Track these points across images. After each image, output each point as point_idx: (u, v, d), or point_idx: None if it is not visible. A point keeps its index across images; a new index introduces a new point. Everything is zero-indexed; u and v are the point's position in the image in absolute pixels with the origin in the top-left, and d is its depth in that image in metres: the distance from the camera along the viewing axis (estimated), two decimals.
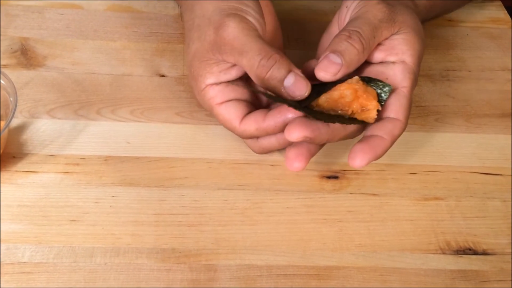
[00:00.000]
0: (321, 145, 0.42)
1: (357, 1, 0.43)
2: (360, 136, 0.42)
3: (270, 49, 0.40)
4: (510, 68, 0.57)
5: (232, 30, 0.40)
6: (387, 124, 0.41)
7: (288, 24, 0.58)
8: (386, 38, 0.42)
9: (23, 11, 0.56)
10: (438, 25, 0.61)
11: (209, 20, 0.42)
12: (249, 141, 0.45)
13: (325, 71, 0.39)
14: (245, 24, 0.41)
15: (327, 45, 0.44)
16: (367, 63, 0.43)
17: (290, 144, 0.41)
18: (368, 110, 0.40)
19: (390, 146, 0.41)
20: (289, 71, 0.39)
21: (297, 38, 0.56)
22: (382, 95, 0.41)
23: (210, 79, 0.42)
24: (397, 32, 0.42)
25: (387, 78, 0.42)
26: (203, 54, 0.42)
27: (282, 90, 0.39)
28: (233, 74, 0.42)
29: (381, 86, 0.41)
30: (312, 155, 0.41)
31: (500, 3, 0.64)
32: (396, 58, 0.42)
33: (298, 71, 0.40)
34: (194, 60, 0.43)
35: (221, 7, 0.42)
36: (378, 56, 0.42)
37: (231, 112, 0.42)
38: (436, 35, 0.59)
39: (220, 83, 0.43)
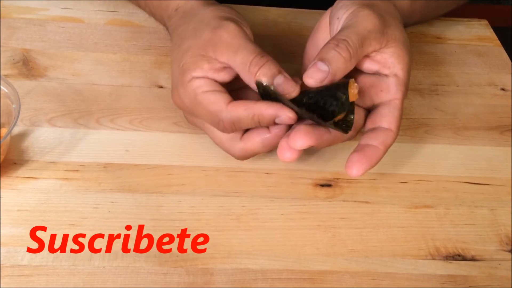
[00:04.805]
0: None
1: (348, 13, 0.44)
2: (354, 143, 0.44)
3: (263, 51, 0.42)
4: (497, 84, 0.59)
5: (231, 30, 0.43)
6: (380, 134, 0.43)
7: (283, 39, 0.60)
8: (377, 51, 0.44)
9: (25, 24, 0.58)
10: (428, 42, 0.63)
11: (207, 23, 0.44)
12: (229, 143, 0.44)
13: (312, 78, 0.41)
14: (241, 29, 0.44)
15: (311, 52, 0.48)
16: (361, 72, 0.45)
17: (273, 148, 0.43)
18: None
19: (384, 155, 0.43)
20: (279, 72, 0.42)
21: (291, 52, 0.58)
22: None
23: (198, 73, 0.43)
24: (387, 45, 0.44)
25: (381, 90, 0.44)
26: (197, 50, 0.43)
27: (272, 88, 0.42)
28: (221, 76, 0.43)
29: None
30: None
31: (486, 22, 0.66)
32: (388, 71, 0.44)
33: (287, 74, 0.42)
34: (186, 55, 0.44)
35: (220, 14, 0.45)
36: (372, 67, 0.44)
37: (217, 96, 0.42)
38: (426, 51, 0.62)
39: (207, 78, 0.43)
